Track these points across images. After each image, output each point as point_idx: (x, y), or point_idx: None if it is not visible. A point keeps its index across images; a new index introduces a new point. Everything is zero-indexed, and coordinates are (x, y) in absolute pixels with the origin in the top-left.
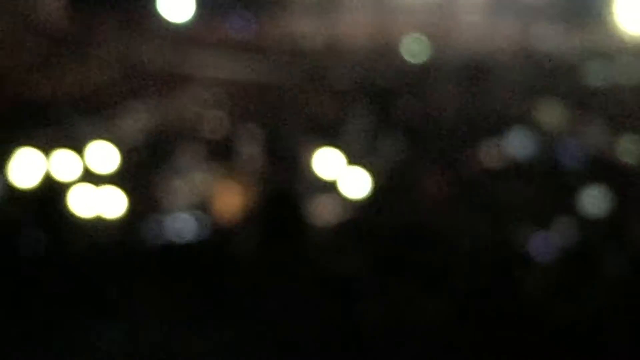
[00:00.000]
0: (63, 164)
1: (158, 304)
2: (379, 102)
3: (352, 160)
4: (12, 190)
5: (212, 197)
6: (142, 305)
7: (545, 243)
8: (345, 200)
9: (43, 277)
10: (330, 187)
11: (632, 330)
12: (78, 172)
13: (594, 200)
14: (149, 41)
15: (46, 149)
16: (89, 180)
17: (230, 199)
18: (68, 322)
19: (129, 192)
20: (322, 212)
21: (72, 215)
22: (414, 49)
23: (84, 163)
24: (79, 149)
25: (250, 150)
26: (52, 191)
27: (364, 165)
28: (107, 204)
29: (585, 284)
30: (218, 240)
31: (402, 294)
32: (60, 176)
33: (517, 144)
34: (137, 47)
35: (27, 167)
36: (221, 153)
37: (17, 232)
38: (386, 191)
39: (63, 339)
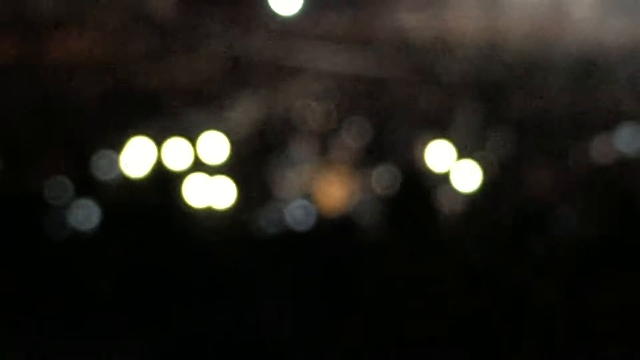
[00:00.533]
0: (175, 153)
1: (266, 291)
2: (489, 96)
3: (463, 153)
4: (125, 178)
5: (321, 187)
6: (250, 292)
7: None
8: (456, 192)
9: (155, 266)
10: (441, 180)
11: None
12: (189, 162)
13: None
14: (258, 34)
15: (158, 139)
16: (200, 170)
17: (338, 190)
18: (180, 309)
19: (238, 182)
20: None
21: (184, 204)
22: (523, 43)
23: (195, 153)
24: (190, 138)
25: (358, 142)
26: (164, 180)
27: (475, 159)
28: (218, 193)
29: None
30: (325, 228)
31: (517, 283)
32: (172, 165)
33: (628, 140)
34: (246, 40)
35: (140, 156)
36: (329, 145)
37: (129, 220)
38: (496, 184)
39: (176, 324)
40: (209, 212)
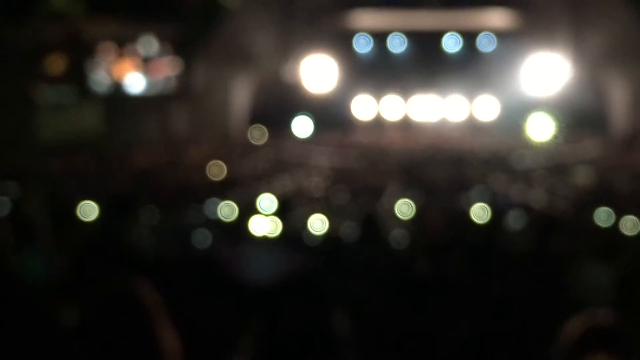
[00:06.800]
0: (246, 205)
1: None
2: (405, 174)
3: (393, 201)
4: (220, 221)
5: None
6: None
7: None
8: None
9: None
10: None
11: None
12: (254, 208)
13: None
14: (287, 145)
15: (238, 200)
16: (259, 213)
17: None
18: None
19: (282, 219)
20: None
21: (249, 233)
22: (419, 150)
23: (256, 205)
24: (254, 198)
25: (340, 199)
26: (241, 219)
27: (405, 202)
28: (270, 226)
29: None
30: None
31: None
32: (245, 212)
33: (475, 197)
34: (282, 149)
35: (229, 206)
36: (325, 200)
37: (226, 237)
38: (419, 216)
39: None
40: (265, 237)
